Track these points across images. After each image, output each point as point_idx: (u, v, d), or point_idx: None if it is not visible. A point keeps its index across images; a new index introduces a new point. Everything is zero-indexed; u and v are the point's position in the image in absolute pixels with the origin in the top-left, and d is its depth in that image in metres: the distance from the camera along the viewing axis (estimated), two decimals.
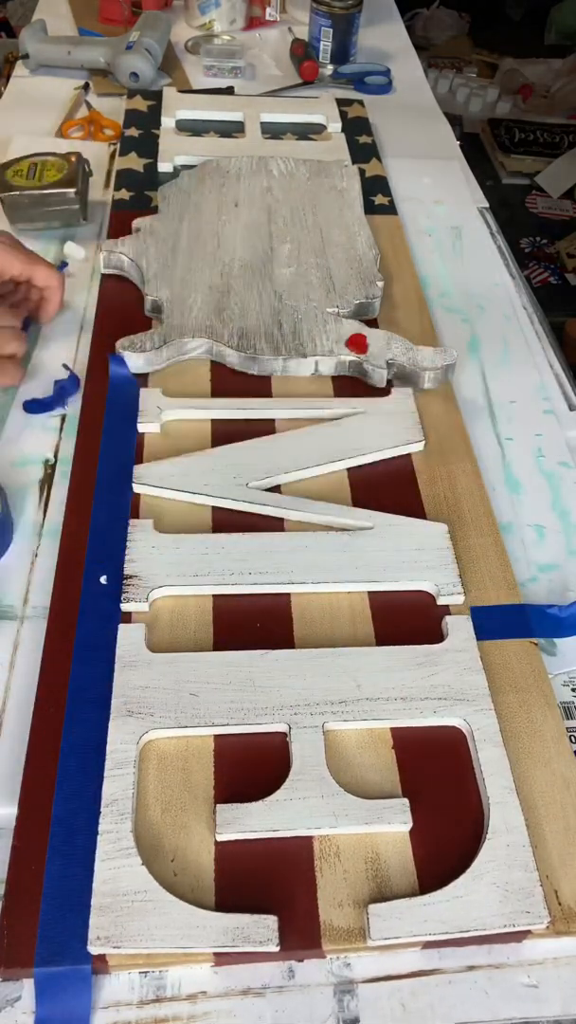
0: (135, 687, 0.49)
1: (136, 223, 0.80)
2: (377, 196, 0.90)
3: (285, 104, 1.04)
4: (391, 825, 0.44)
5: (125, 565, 0.54)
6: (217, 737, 0.48)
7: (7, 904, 0.41)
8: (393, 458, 0.64)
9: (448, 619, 0.53)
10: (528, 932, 0.42)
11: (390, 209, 0.89)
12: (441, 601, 0.55)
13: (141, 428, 0.64)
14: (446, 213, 0.92)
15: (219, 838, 0.44)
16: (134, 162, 0.91)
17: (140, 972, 0.41)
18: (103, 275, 0.78)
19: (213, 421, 0.65)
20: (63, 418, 0.66)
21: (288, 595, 0.55)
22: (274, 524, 0.59)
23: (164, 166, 0.91)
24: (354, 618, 0.54)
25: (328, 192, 0.86)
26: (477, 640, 0.52)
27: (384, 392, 0.68)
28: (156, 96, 1.02)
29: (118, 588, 0.53)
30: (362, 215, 0.84)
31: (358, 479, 0.62)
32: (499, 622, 0.54)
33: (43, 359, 0.71)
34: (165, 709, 0.48)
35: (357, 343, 0.69)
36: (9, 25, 2.15)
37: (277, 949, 0.40)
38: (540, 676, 0.52)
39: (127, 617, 0.53)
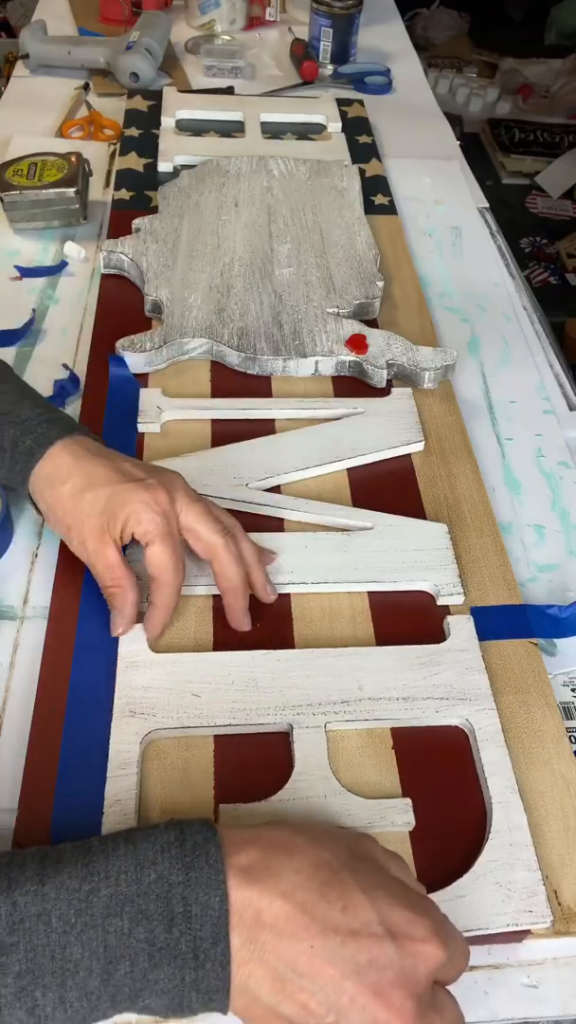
0: (137, 687, 0.49)
1: (136, 223, 0.80)
2: (377, 196, 0.90)
3: (285, 104, 1.04)
4: (394, 826, 0.44)
5: None
6: (219, 737, 0.48)
7: None
8: (393, 458, 0.64)
9: (450, 619, 0.53)
10: (528, 932, 0.42)
11: (390, 209, 0.89)
12: (441, 601, 0.55)
13: (141, 428, 0.64)
14: (446, 213, 0.92)
15: None
16: (134, 162, 0.91)
17: None
18: (103, 275, 0.78)
19: (213, 421, 0.65)
20: None
21: (288, 595, 0.55)
22: (274, 524, 0.58)
23: (164, 166, 0.91)
24: (354, 618, 0.54)
25: (328, 192, 0.86)
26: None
27: (384, 392, 0.68)
28: (156, 96, 1.02)
29: None
30: (362, 215, 0.84)
31: (358, 479, 0.62)
32: (499, 622, 0.54)
33: (43, 359, 0.71)
34: (167, 709, 0.48)
35: (357, 343, 0.69)
36: (9, 25, 2.15)
37: None
38: (540, 676, 0.52)
39: None
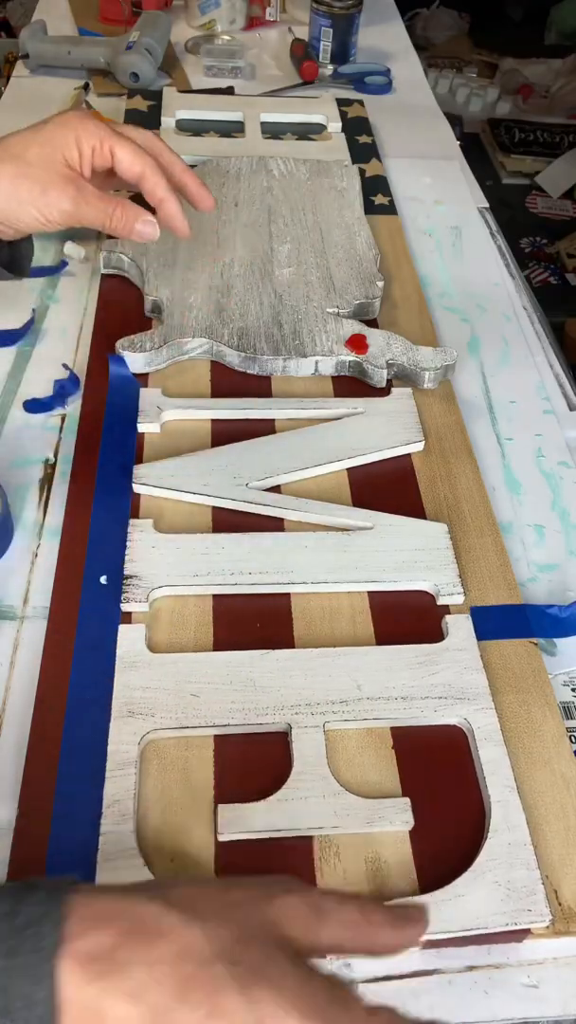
0: (136, 688, 0.49)
1: None
2: (377, 196, 0.90)
3: (285, 104, 1.04)
4: (393, 825, 0.44)
5: (125, 565, 0.54)
6: (218, 737, 0.48)
7: None
8: (393, 458, 0.64)
9: (448, 618, 0.53)
10: (528, 932, 0.42)
11: (390, 209, 0.89)
12: (441, 601, 0.55)
13: (141, 428, 0.64)
14: (446, 213, 0.92)
15: (221, 838, 0.44)
16: None
17: None
18: (103, 275, 0.78)
19: (213, 421, 0.65)
20: (63, 418, 0.66)
21: (288, 595, 0.55)
22: (274, 524, 0.59)
23: None
24: (354, 618, 0.54)
25: (328, 192, 0.86)
26: (477, 640, 0.52)
27: (384, 392, 0.68)
28: (156, 96, 1.02)
29: (118, 588, 0.53)
30: (362, 215, 0.84)
31: (358, 479, 0.62)
32: (499, 622, 0.54)
33: (43, 359, 0.71)
34: (166, 710, 0.48)
35: (357, 343, 0.69)
36: (9, 25, 2.16)
37: None
38: (540, 676, 0.52)
39: (127, 617, 0.52)
